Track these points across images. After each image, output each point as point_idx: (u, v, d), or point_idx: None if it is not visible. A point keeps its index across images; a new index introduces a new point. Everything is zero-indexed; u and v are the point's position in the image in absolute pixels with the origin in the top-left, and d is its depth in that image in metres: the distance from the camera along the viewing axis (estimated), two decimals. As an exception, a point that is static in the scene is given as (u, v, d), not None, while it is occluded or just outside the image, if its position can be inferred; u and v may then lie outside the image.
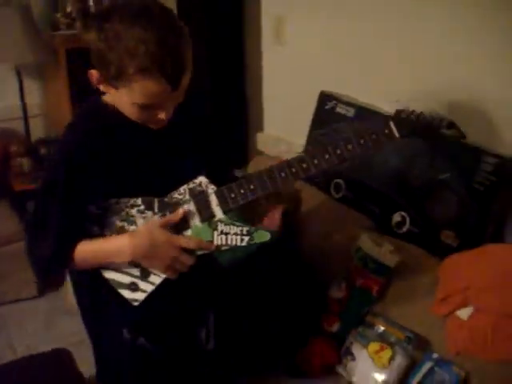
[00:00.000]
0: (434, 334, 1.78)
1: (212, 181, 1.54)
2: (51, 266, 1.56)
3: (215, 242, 1.51)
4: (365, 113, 2.17)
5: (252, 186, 1.50)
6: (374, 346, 1.78)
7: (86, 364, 1.93)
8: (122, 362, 1.64)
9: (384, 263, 1.83)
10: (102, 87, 1.50)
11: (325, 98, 2.33)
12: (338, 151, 1.51)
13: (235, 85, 3.44)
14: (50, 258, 1.52)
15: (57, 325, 3.07)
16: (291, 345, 1.88)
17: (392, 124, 1.54)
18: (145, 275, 1.55)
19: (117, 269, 1.55)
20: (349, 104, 2.23)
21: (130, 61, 1.36)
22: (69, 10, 3.41)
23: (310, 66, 2.50)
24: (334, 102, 2.28)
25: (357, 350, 1.81)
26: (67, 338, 2.92)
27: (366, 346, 1.79)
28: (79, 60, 3.50)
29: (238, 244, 1.50)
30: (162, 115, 1.49)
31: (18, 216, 3.27)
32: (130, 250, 1.50)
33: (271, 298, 1.80)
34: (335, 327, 1.91)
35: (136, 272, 1.54)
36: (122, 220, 1.53)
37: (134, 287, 1.54)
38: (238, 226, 1.50)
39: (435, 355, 1.72)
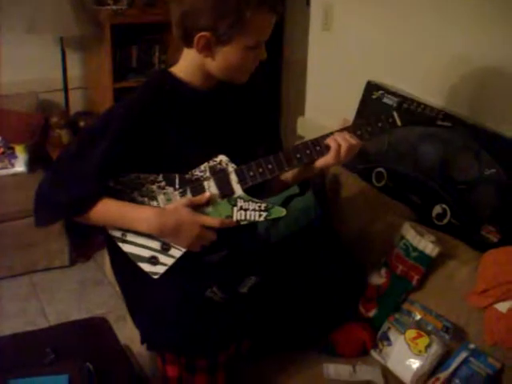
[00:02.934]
0: (471, 325, 1.81)
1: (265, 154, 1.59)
2: (74, 204, 1.53)
3: (234, 218, 1.57)
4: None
5: (270, 166, 1.57)
6: (411, 333, 1.82)
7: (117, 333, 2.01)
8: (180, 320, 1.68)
9: (426, 253, 1.86)
10: (204, 53, 1.51)
11: (372, 87, 2.34)
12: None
13: (271, 69, 3.46)
14: (78, 195, 1.52)
15: (87, 294, 3.14)
16: (326, 324, 1.93)
17: (395, 114, 1.66)
18: (165, 249, 1.58)
19: (136, 243, 1.58)
20: (396, 95, 2.24)
21: (247, 0, 1.41)
22: (116, -15, 3.45)
23: (356, 53, 2.52)
24: (381, 92, 2.29)
25: (394, 335, 1.85)
26: (97, 307, 3.00)
27: (403, 333, 1.83)
28: (123, 36, 3.56)
29: (256, 219, 1.57)
30: (264, 53, 1.55)
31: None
32: (157, 224, 1.54)
33: (310, 277, 1.85)
34: (372, 312, 1.95)
35: (156, 246, 1.58)
36: (143, 195, 1.56)
37: (154, 261, 1.58)
38: (256, 203, 1.56)
39: (471, 345, 1.76)
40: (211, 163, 1.56)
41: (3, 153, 3.30)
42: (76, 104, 3.78)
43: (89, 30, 3.39)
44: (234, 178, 1.56)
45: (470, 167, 1.99)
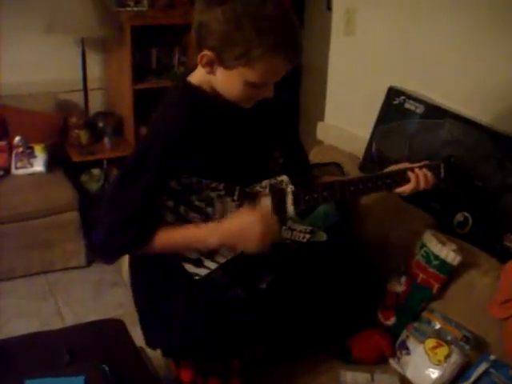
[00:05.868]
0: (492, 336, 1.78)
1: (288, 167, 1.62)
2: (134, 242, 1.57)
3: (282, 235, 1.62)
4: (434, 111, 2.16)
5: (325, 193, 1.65)
6: (430, 343, 1.79)
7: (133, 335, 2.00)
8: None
9: (447, 261, 1.83)
10: (207, 69, 1.49)
11: (393, 93, 2.31)
12: (398, 178, 1.77)
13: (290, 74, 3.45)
14: (132, 233, 1.55)
15: (103, 295, 3.14)
16: (343, 330, 1.91)
17: (442, 167, 1.82)
18: (211, 254, 1.62)
19: None
20: (418, 100, 2.22)
21: (261, 40, 1.35)
22: (137, -13, 3.47)
23: (379, 58, 2.49)
24: (403, 97, 2.26)
25: (413, 344, 1.82)
26: (113, 309, 2.99)
27: (422, 342, 1.80)
28: (143, 37, 3.57)
29: (299, 240, 1.64)
30: (270, 92, 1.52)
31: (72, 186, 3.34)
32: (217, 234, 1.55)
33: (327, 282, 1.84)
34: (391, 321, 1.93)
35: (204, 250, 1.61)
36: (201, 200, 1.57)
37: (198, 263, 1.61)
38: (303, 225, 1.63)
39: (492, 357, 1.72)
40: (272, 181, 1.61)
41: (22, 152, 3.32)
42: (95, 104, 3.80)
43: (109, 31, 3.41)
44: (290, 199, 1.62)
45: (493, 175, 1.96)
